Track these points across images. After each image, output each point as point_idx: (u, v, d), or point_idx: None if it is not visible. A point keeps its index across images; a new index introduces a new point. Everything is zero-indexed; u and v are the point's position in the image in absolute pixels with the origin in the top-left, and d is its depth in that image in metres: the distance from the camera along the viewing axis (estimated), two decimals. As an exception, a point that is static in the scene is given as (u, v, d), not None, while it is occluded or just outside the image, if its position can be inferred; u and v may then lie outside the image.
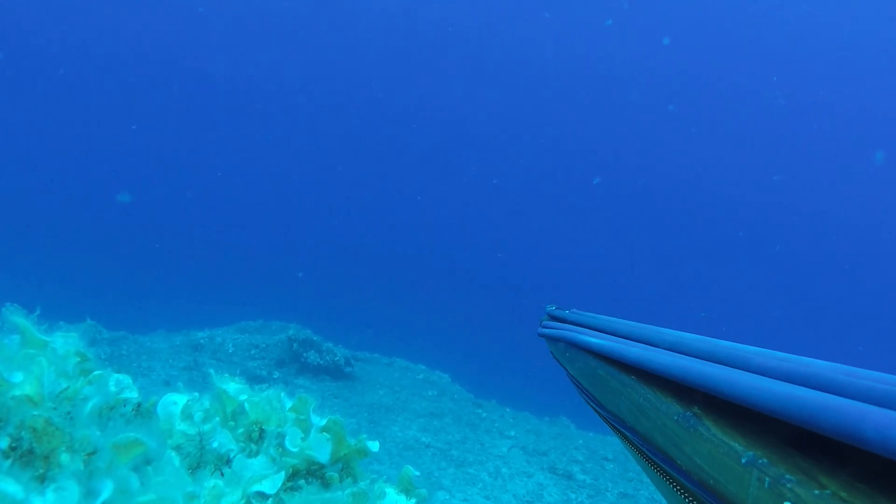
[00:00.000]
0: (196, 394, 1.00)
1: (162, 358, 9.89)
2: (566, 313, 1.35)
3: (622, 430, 0.98)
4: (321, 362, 10.86)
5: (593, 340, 1.05)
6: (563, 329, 1.24)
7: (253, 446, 0.95)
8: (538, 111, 39.99)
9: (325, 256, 31.87)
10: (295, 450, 0.94)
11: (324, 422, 1.01)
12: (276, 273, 27.80)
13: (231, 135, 37.18)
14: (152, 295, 21.93)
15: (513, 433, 10.02)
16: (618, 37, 38.09)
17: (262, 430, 0.97)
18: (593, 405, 1.14)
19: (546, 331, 1.34)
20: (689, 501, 0.74)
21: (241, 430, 0.96)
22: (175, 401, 0.91)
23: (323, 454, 0.97)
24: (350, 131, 38.68)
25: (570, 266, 37.11)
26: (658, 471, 0.86)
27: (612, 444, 10.30)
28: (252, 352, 10.96)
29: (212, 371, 1.03)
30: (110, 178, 33.00)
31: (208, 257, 29.58)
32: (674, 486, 0.79)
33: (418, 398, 10.96)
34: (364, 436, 1.03)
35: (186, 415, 0.92)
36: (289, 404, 1.03)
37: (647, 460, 0.91)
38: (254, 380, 9.98)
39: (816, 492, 0.52)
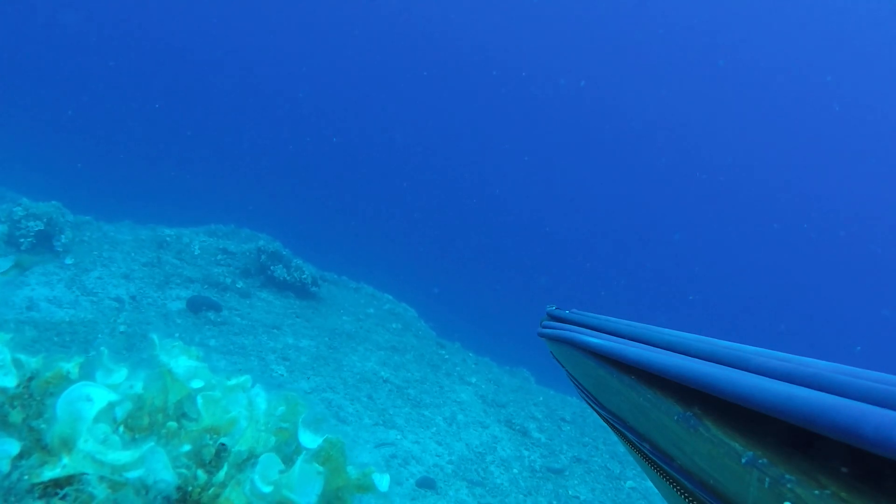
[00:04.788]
0: (124, 369, 0.64)
1: (125, 250, 9.44)
2: (566, 313, 1.34)
3: (622, 430, 0.97)
4: (288, 278, 10.53)
5: (593, 340, 1.04)
6: (564, 329, 1.23)
7: (202, 476, 0.59)
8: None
9: (307, 170, 31.35)
10: (267, 490, 0.59)
11: (319, 441, 0.65)
12: (254, 179, 27.22)
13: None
14: (125, 181, 21.30)
15: (473, 380, 9.83)
16: (625, 36, 38.03)
17: (221, 447, 0.62)
18: (593, 405, 1.15)
19: (546, 331, 1.33)
20: (690, 501, 0.74)
21: (187, 448, 0.60)
22: (88, 396, 0.55)
23: (308, 496, 0.62)
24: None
25: (567, 248, 37.34)
26: (658, 471, 0.85)
27: (572, 404, 10.18)
28: (219, 257, 10.55)
29: (154, 337, 0.65)
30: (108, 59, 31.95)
31: (190, 152, 28.92)
32: (674, 486, 0.79)
33: (382, 329, 10.71)
34: (372, 468, 0.68)
35: (103, 416, 0.56)
36: (263, 406, 0.66)
37: (647, 460, 0.90)
38: (216, 287, 9.60)
39: (816, 492, 0.52)
